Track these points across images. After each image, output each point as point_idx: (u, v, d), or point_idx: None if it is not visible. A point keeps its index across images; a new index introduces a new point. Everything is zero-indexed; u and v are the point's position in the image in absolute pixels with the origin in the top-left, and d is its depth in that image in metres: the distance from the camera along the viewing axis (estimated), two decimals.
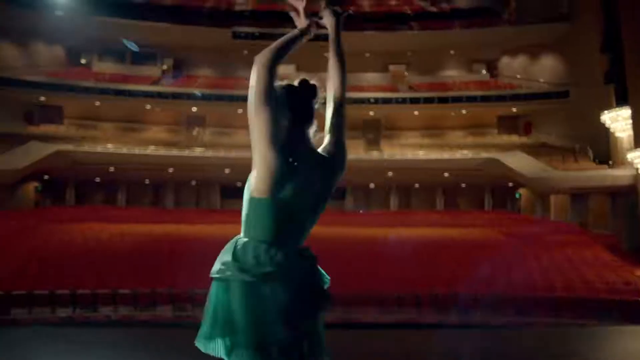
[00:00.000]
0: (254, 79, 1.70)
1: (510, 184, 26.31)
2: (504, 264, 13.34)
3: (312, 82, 1.83)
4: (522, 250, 14.51)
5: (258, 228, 1.67)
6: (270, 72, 1.70)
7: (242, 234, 1.73)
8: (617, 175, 20.34)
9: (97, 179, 25.82)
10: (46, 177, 24.58)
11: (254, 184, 1.68)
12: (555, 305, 10.65)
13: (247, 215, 1.71)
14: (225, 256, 1.68)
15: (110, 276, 11.47)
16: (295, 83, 1.81)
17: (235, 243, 1.70)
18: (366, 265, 13.16)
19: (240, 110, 26.44)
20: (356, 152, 26.02)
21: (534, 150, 23.92)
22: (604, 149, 22.41)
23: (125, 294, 10.61)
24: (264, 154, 1.64)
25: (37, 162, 21.42)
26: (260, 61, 1.70)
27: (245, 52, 28.74)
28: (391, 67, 30.20)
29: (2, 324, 9.76)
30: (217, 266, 1.69)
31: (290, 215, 1.67)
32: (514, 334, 8.46)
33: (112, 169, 23.90)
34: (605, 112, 21.24)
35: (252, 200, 1.69)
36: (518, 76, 27.54)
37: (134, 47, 25.65)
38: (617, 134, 21.31)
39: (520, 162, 22.48)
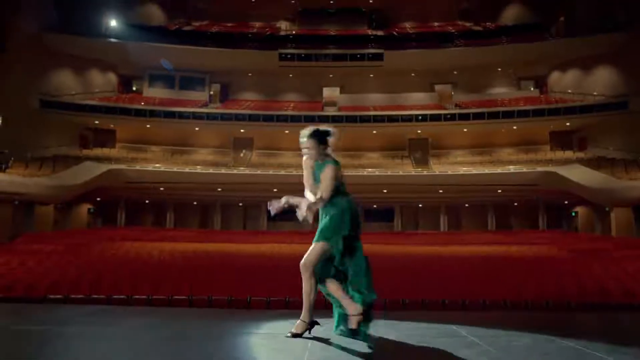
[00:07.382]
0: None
1: (566, 202, 25.18)
2: (573, 276, 12.51)
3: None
4: (590, 264, 13.61)
5: None
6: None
7: None
8: None
9: (147, 201, 26.19)
10: (98, 199, 25.09)
11: None
12: None
13: None
14: None
15: (165, 284, 11.32)
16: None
17: None
18: (428, 280, 12.59)
19: (287, 131, 26.50)
20: (404, 170, 25.52)
21: (592, 164, 22.83)
22: None
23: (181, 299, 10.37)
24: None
25: (92, 179, 21.89)
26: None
27: (291, 75, 29.03)
28: (437, 87, 29.81)
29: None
30: None
31: None
32: None
33: (162, 188, 24.18)
34: None
35: None
36: (569, 91, 26.68)
37: (168, 66, 26.48)
38: None
39: (580, 175, 21.37)
